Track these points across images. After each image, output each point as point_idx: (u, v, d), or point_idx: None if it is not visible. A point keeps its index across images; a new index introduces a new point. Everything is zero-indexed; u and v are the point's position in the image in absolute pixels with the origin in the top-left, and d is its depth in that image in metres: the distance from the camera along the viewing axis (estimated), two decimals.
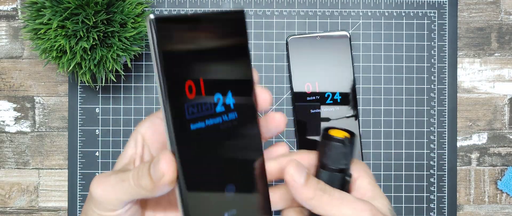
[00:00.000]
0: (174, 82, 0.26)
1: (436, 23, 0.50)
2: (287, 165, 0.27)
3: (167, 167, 0.25)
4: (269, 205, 0.30)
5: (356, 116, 0.49)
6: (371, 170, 0.30)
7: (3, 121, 0.49)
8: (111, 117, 0.49)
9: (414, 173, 0.49)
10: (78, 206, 0.49)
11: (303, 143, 0.49)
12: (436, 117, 0.49)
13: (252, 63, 0.29)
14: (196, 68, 0.26)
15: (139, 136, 0.29)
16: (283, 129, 0.30)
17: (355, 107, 0.49)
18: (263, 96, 0.29)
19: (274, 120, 0.29)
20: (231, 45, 0.27)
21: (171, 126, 0.26)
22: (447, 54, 0.50)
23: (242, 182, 0.29)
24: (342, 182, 0.29)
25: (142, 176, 0.25)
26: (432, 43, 0.50)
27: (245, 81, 0.28)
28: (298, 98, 0.49)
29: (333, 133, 0.29)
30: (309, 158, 0.30)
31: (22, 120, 0.49)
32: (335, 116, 0.49)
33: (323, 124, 0.30)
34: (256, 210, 0.29)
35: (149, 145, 0.29)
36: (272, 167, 0.30)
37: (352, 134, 0.29)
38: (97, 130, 0.49)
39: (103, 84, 0.49)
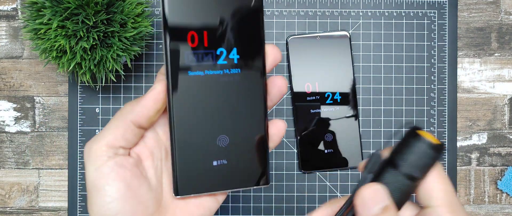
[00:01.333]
0: (176, 29, 0.28)
1: (436, 23, 0.50)
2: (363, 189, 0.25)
3: (159, 85, 0.28)
4: (265, 170, 0.30)
5: (356, 116, 0.49)
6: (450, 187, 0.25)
7: (3, 121, 0.49)
8: (111, 117, 0.49)
9: None
10: (78, 206, 0.49)
11: (303, 143, 0.49)
12: (436, 117, 0.49)
13: (264, 27, 0.29)
14: (201, 20, 0.28)
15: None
16: (285, 92, 0.30)
17: (355, 107, 0.49)
18: (273, 52, 0.29)
19: (276, 84, 0.30)
20: (243, 4, 0.28)
21: (169, 70, 0.28)
22: (447, 54, 0.50)
23: (237, 136, 0.30)
24: (406, 192, 0.25)
25: (135, 102, 0.28)
26: (432, 43, 0.50)
27: (253, 39, 0.29)
28: (298, 98, 0.49)
29: (423, 134, 0.25)
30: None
31: (22, 120, 0.49)
32: (335, 116, 0.49)
33: (405, 123, 0.27)
34: (250, 168, 0.30)
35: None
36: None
37: (442, 143, 0.26)
38: (97, 130, 0.49)
39: (103, 84, 0.49)
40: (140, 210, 0.28)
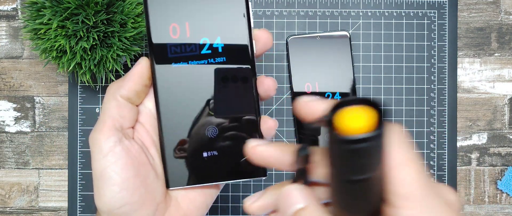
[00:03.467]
0: (158, 22, 0.28)
1: (436, 23, 0.50)
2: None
3: (143, 60, 0.28)
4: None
5: None
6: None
7: (3, 121, 0.49)
8: None
9: None
10: (78, 206, 0.49)
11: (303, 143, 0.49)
12: (436, 117, 0.50)
13: (251, 12, 0.29)
14: (182, 11, 0.28)
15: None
16: (273, 94, 0.29)
17: None
18: (264, 36, 0.29)
19: (263, 84, 0.29)
20: None
21: (154, 63, 0.28)
22: (447, 54, 0.50)
23: (226, 126, 0.29)
24: (361, 194, 0.19)
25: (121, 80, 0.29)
26: (432, 43, 0.50)
27: (237, 27, 0.29)
28: None
29: (346, 120, 0.17)
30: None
31: (22, 120, 0.49)
32: None
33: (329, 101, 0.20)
34: (243, 159, 0.29)
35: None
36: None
37: (379, 109, 0.17)
38: None
39: (103, 84, 0.49)
40: (148, 200, 0.27)
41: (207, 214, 0.48)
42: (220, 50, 0.28)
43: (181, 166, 0.29)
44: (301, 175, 0.21)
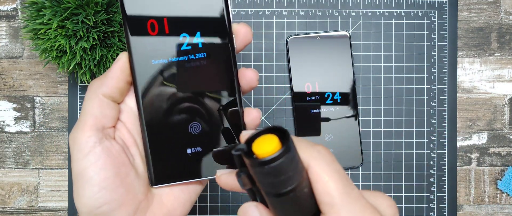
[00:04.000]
0: (135, 20, 0.28)
1: (436, 23, 0.50)
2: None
3: (123, 55, 0.28)
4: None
5: (356, 116, 0.49)
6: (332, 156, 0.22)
7: (3, 121, 0.49)
8: None
9: (414, 173, 0.49)
10: None
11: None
12: (436, 117, 0.49)
13: (230, 7, 0.29)
14: (160, 7, 0.28)
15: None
16: (255, 85, 0.29)
17: (355, 107, 0.49)
18: (242, 30, 0.29)
19: (245, 76, 0.29)
20: None
21: (134, 61, 0.28)
22: (447, 54, 0.50)
23: (209, 122, 0.29)
24: (297, 198, 0.21)
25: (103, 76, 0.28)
26: (432, 43, 0.50)
27: (216, 21, 0.28)
28: (298, 98, 0.49)
29: (259, 147, 0.21)
30: None
31: (22, 120, 0.49)
32: (335, 116, 0.49)
33: (243, 134, 0.24)
34: (226, 153, 0.29)
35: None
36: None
37: (282, 133, 0.21)
38: None
39: None
40: (129, 199, 0.27)
41: (206, 214, 0.48)
42: (200, 45, 0.28)
43: (165, 164, 0.29)
44: (251, 194, 0.24)
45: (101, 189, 0.26)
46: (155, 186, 0.29)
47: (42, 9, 0.40)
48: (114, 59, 0.42)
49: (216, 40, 0.28)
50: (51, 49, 0.41)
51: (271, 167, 0.20)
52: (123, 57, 0.28)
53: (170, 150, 0.29)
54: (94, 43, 0.41)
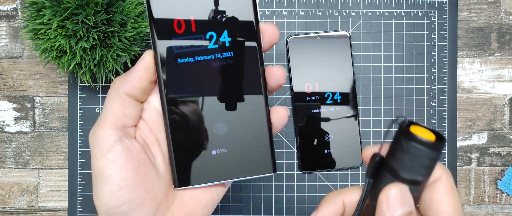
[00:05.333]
0: (162, 18, 0.27)
1: (436, 23, 0.50)
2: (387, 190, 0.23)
3: (148, 54, 0.27)
4: (270, 158, 0.29)
5: (356, 116, 0.49)
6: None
7: (3, 121, 0.49)
8: None
9: None
10: (78, 206, 0.49)
11: (303, 143, 0.49)
12: (436, 117, 0.49)
13: (258, 6, 0.28)
14: (187, 5, 0.27)
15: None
16: (283, 82, 0.29)
17: (355, 107, 0.49)
18: (270, 30, 0.28)
19: (273, 74, 0.28)
20: None
21: (159, 60, 0.27)
22: (447, 54, 0.50)
23: (235, 123, 0.28)
24: (418, 193, 0.23)
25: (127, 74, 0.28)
26: (432, 43, 0.50)
27: (244, 20, 0.28)
28: (298, 98, 0.49)
29: (417, 131, 0.22)
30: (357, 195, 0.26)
31: (22, 120, 0.49)
32: (335, 116, 0.49)
33: (399, 118, 0.23)
34: (253, 156, 0.28)
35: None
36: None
37: (440, 137, 0.23)
38: None
39: (103, 84, 0.49)
40: (148, 199, 0.27)
41: (221, 215, 0.48)
42: (227, 44, 0.28)
43: (189, 165, 0.28)
44: (375, 184, 0.24)
45: (121, 188, 0.26)
46: (179, 188, 0.29)
47: (42, 9, 0.40)
48: (114, 59, 0.42)
49: (244, 39, 0.28)
50: (51, 49, 0.41)
51: (430, 149, 0.22)
52: (147, 55, 0.27)
53: (194, 151, 0.28)
54: (94, 43, 0.41)
